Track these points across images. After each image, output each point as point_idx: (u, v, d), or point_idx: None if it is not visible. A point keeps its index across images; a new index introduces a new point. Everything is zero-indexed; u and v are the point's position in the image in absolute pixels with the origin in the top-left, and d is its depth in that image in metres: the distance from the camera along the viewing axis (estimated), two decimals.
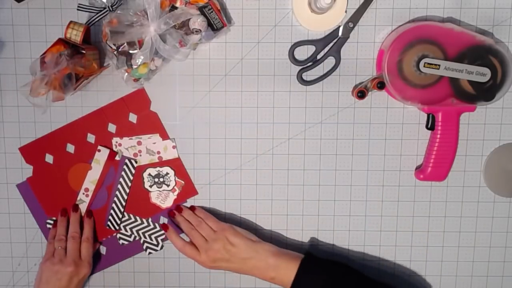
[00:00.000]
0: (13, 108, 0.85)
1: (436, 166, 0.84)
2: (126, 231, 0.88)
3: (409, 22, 0.83)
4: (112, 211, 0.87)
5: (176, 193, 0.87)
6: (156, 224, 0.88)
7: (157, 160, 0.86)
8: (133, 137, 0.85)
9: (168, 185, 0.86)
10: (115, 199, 0.86)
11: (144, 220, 0.88)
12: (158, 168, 0.86)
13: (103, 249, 0.89)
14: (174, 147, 0.85)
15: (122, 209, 0.87)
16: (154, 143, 0.85)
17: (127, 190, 0.86)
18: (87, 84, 0.84)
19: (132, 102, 0.85)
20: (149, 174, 0.86)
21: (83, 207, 0.86)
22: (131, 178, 0.86)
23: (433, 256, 0.89)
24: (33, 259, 0.89)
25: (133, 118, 0.85)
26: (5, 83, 0.85)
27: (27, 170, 0.87)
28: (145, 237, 0.88)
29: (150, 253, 0.88)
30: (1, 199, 0.88)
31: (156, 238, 0.88)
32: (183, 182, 0.86)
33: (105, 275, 0.89)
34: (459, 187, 0.87)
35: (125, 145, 0.85)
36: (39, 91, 0.74)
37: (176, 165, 0.86)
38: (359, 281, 0.79)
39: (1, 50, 0.84)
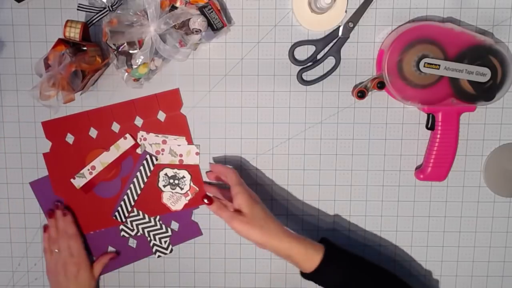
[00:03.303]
0: (13, 108, 0.85)
1: (436, 166, 0.84)
2: (132, 226, 0.88)
3: (409, 22, 0.83)
4: (122, 203, 0.87)
5: (188, 198, 0.87)
6: (164, 226, 0.88)
7: (177, 163, 0.86)
8: (159, 135, 0.85)
9: (182, 189, 0.86)
10: (128, 191, 0.86)
11: (152, 219, 0.87)
12: (175, 170, 0.86)
13: (112, 251, 0.89)
14: (197, 153, 0.85)
15: (132, 203, 0.86)
16: (179, 145, 0.85)
17: (142, 186, 0.86)
18: (96, 81, 0.84)
19: (164, 101, 0.85)
20: (166, 174, 0.86)
21: (80, 182, 0.85)
22: (148, 174, 0.86)
23: (433, 256, 0.89)
24: (33, 259, 0.89)
25: (161, 116, 0.85)
26: (5, 83, 0.85)
27: (27, 171, 0.87)
28: (151, 237, 0.88)
29: (159, 256, 0.89)
30: (1, 199, 0.88)
31: (164, 241, 0.88)
32: (197, 188, 0.86)
33: (104, 275, 0.89)
34: (459, 187, 0.87)
35: (150, 141, 0.85)
36: (48, 94, 0.74)
37: (194, 171, 0.86)
38: (376, 274, 0.78)
39: (1, 50, 0.84)
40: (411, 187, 0.87)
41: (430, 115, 0.83)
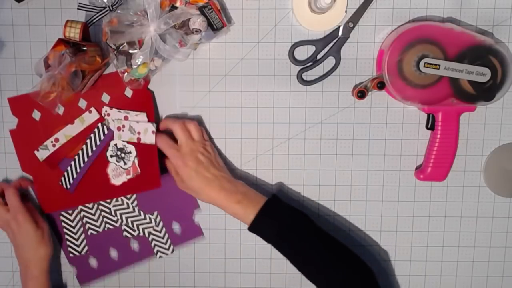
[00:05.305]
0: None
1: (436, 166, 0.84)
2: (133, 226, 0.88)
3: (409, 22, 0.83)
4: (69, 168, 0.84)
5: (128, 177, 0.85)
6: (163, 228, 0.87)
7: (135, 141, 0.84)
8: (122, 110, 0.84)
9: (125, 163, 0.84)
10: (76, 157, 0.84)
11: (148, 216, 0.87)
12: (125, 143, 0.84)
13: (114, 252, 0.88)
14: (153, 132, 0.83)
15: (78, 170, 0.84)
16: (138, 122, 0.83)
17: (90, 153, 0.84)
18: (95, 81, 0.83)
19: None
20: (115, 144, 0.84)
21: (44, 154, 0.84)
22: (98, 143, 0.84)
23: (433, 256, 0.89)
24: None
25: (128, 92, 0.84)
26: (5, 83, 0.85)
27: None
28: (151, 236, 0.88)
29: (160, 256, 0.88)
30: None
31: (164, 242, 0.88)
32: (139, 170, 0.84)
33: (105, 276, 0.89)
34: (459, 187, 0.87)
35: (113, 116, 0.84)
36: (49, 94, 0.74)
37: (147, 151, 0.83)
38: (317, 232, 0.79)
39: (1, 50, 0.84)
40: (411, 187, 0.87)
41: (430, 115, 0.83)
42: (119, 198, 0.87)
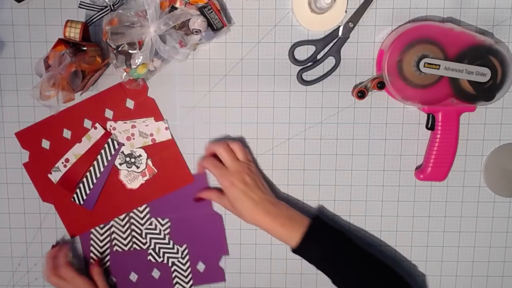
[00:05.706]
0: (13, 108, 0.85)
1: (436, 166, 0.84)
2: (159, 252, 0.87)
3: (409, 22, 0.83)
4: (81, 185, 0.85)
5: (145, 178, 0.85)
6: (188, 262, 0.87)
7: (150, 143, 0.84)
8: (128, 121, 0.84)
9: (138, 167, 0.85)
10: (87, 173, 0.85)
11: (177, 248, 0.87)
12: (132, 148, 0.85)
13: (134, 276, 0.88)
14: (167, 128, 0.84)
15: (91, 185, 0.85)
16: (147, 125, 0.84)
17: (102, 169, 0.84)
18: (96, 81, 0.84)
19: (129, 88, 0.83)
20: (122, 152, 0.84)
21: (57, 176, 0.85)
22: (109, 157, 0.84)
23: (433, 256, 0.89)
24: (33, 259, 0.89)
25: (130, 104, 0.85)
26: (5, 83, 0.85)
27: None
28: (174, 266, 0.87)
29: None
30: (1, 199, 0.88)
31: (186, 275, 0.88)
32: (155, 170, 0.85)
33: None
34: (459, 187, 0.87)
35: (119, 129, 0.84)
36: (48, 94, 0.74)
37: (161, 148, 0.84)
38: (360, 255, 0.80)
39: (1, 50, 0.84)
40: (411, 187, 0.87)
41: (430, 115, 0.83)
42: (153, 223, 0.87)
